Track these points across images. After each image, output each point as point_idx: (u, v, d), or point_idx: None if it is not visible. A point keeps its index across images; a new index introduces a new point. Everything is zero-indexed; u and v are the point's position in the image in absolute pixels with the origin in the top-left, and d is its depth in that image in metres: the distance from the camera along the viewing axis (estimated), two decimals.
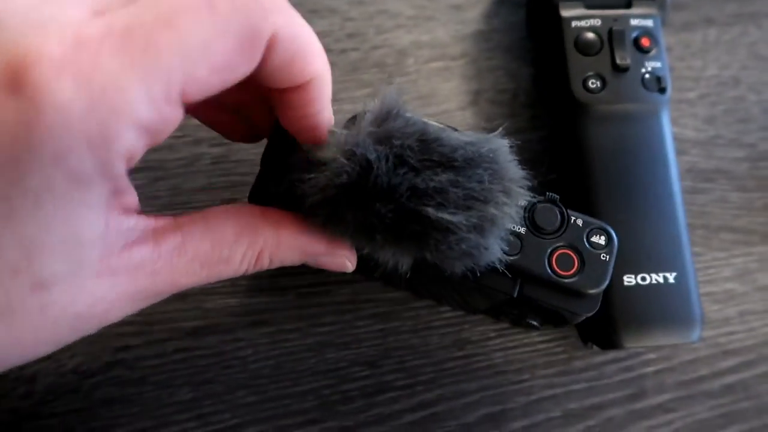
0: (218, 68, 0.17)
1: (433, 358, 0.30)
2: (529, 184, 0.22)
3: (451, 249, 0.20)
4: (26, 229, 0.16)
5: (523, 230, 0.23)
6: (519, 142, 0.21)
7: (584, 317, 0.24)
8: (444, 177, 0.19)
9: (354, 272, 0.23)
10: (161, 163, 0.32)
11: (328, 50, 0.35)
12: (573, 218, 0.24)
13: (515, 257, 0.23)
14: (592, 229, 0.23)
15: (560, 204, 0.24)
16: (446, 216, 0.19)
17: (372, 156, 0.19)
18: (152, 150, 0.18)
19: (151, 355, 0.29)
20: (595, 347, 0.30)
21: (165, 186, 0.31)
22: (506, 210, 0.20)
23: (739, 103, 0.37)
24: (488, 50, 0.36)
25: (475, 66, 0.36)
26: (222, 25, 0.16)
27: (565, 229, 0.23)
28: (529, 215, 0.23)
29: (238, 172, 0.32)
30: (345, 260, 0.23)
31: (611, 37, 0.31)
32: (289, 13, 0.18)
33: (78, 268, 0.17)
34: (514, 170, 0.21)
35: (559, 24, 0.32)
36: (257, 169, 0.23)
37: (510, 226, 0.20)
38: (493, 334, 0.31)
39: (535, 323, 0.27)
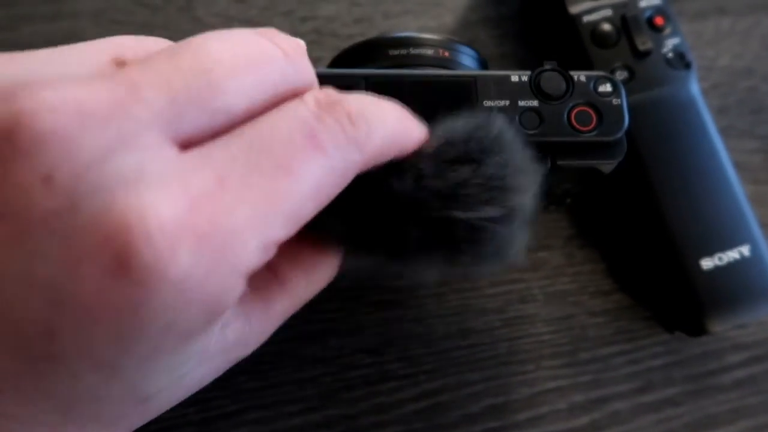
0: (322, 203, 0.16)
1: (437, 347, 0.30)
2: (536, 154, 0.21)
3: (483, 249, 0.19)
4: (132, 380, 0.16)
5: (536, 103, 0.23)
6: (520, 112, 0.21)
7: (617, 163, 0.24)
8: (462, 171, 0.18)
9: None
10: None
11: (335, 35, 0.34)
12: (576, 76, 0.24)
13: (537, 131, 0.22)
14: (596, 81, 0.23)
15: (560, 68, 0.24)
16: (475, 214, 0.18)
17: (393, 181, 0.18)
18: None
19: None
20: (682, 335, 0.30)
21: None
22: (527, 193, 0.19)
23: (752, 93, 0.36)
24: (497, 37, 0.35)
25: (483, 53, 0.35)
26: (329, 165, 0.16)
27: (573, 89, 0.23)
28: (536, 87, 0.23)
29: None
30: None
31: (626, 24, 0.31)
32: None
33: (180, 378, 0.17)
34: (521, 147, 0.20)
35: (571, 21, 0.31)
36: None
37: (533, 208, 0.20)
38: (498, 324, 0.30)
39: (570, 190, 0.27)
